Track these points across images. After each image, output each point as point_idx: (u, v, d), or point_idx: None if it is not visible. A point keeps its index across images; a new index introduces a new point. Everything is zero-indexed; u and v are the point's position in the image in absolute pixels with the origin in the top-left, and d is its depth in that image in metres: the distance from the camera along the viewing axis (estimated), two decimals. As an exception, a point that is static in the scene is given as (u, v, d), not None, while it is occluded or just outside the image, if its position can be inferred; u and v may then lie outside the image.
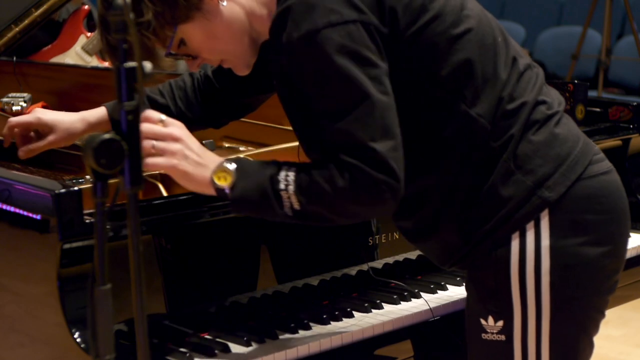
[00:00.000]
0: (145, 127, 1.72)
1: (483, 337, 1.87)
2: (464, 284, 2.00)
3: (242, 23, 1.84)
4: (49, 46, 3.86)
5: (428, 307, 2.10)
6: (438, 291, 2.19)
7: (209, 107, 2.19)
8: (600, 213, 1.85)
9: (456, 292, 2.19)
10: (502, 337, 1.85)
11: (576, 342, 1.88)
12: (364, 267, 2.21)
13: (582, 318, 1.88)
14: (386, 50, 1.75)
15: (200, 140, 2.27)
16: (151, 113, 1.78)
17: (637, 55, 6.16)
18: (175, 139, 1.76)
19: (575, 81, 2.60)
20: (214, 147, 2.44)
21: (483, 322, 1.87)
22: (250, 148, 2.53)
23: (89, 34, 3.86)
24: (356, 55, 1.70)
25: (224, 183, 1.75)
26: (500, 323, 1.85)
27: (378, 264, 2.24)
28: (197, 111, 2.17)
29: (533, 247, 1.82)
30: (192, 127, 2.17)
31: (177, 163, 1.75)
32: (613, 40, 7.13)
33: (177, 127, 1.78)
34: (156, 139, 1.75)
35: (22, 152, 2.19)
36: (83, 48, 3.83)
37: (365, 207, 1.75)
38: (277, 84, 1.86)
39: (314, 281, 2.13)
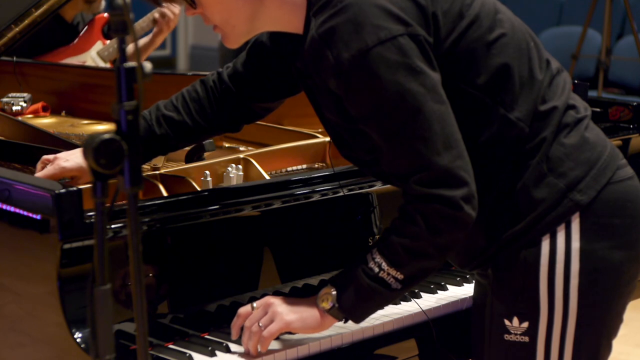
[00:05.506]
0: (247, 322, 1.85)
1: (505, 338, 1.87)
2: (479, 284, 1.99)
3: (255, 9, 1.83)
4: (65, 47, 3.89)
5: (428, 307, 2.10)
6: (438, 291, 2.19)
7: (226, 113, 2.12)
8: (626, 217, 1.86)
9: (456, 292, 2.19)
10: (526, 339, 1.85)
11: (598, 346, 1.88)
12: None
13: (606, 322, 1.88)
14: None
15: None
16: (241, 310, 1.88)
17: (637, 55, 6.16)
18: (269, 304, 1.85)
19: (575, 81, 2.59)
20: (214, 147, 2.43)
21: (507, 323, 1.86)
22: (250, 148, 2.53)
23: (106, 42, 3.90)
24: (409, 68, 1.71)
25: (330, 302, 1.83)
26: (525, 324, 1.85)
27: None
28: (213, 120, 2.12)
29: (563, 250, 1.82)
30: (209, 136, 2.20)
31: (288, 317, 1.83)
32: (613, 40, 7.12)
33: (264, 299, 1.87)
34: (259, 319, 1.84)
35: None
36: (98, 54, 3.88)
37: (454, 232, 1.76)
38: (321, 106, 1.88)
39: (314, 281, 2.13)
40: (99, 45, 3.92)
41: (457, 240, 1.78)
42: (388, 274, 1.78)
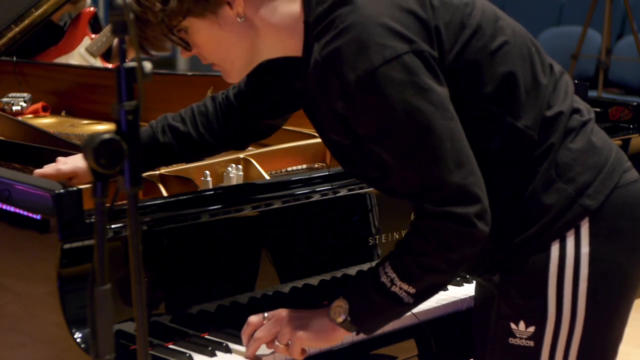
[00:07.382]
0: (258, 333, 1.83)
1: (510, 342, 1.86)
2: (480, 286, 1.99)
3: (251, 42, 1.82)
4: (53, 47, 3.87)
5: (428, 307, 2.09)
6: (438, 291, 2.19)
7: (232, 129, 2.13)
8: (634, 220, 1.85)
9: (456, 292, 2.19)
10: (531, 343, 1.84)
11: (604, 350, 1.88)
12: (364, 267, 2.21)
13: (613, 326, 1.87)
14: None
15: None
16: (253, 319, 1.85)
17: (637, 55, 6.16)
18: (281, 318, 1.83)
19: (575, 81, 2.59)
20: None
21: (513, 326, 1.85)
22: (250, 148, 2.53)
23: (93, 36, 3.87)
24: (416, 86, 1.68)
25: (343, 315, 1.80)
26: (531, 329, 1.84)
27: (378, 264, 2.24)
28: (220, 136, 2.12)
29: (573, 254, 1.81)
30: (214, 151, 2.20)
31: (301, 334, 1.81)
32: (613, 40, 7.13)
33: (276, 311, 1.85)
34: (276, 334, 1.82)
35: None
36: (87, 49, 3.85)
37: (467, 247, 1.74)
38: (325, 128, 1.86)
39: (314, 281, 2.13)
40: (87, 41, 3.88)
41: (469, 255, 1.76)
42: (400, 288, 1.76)
